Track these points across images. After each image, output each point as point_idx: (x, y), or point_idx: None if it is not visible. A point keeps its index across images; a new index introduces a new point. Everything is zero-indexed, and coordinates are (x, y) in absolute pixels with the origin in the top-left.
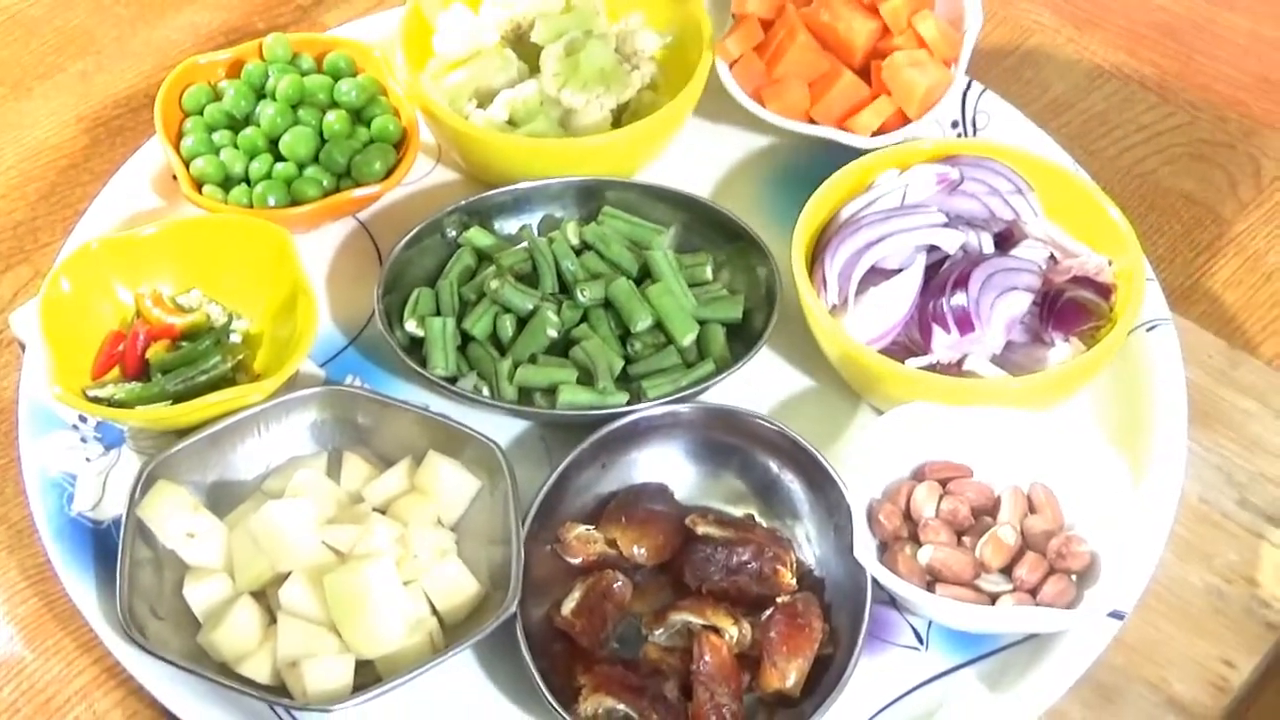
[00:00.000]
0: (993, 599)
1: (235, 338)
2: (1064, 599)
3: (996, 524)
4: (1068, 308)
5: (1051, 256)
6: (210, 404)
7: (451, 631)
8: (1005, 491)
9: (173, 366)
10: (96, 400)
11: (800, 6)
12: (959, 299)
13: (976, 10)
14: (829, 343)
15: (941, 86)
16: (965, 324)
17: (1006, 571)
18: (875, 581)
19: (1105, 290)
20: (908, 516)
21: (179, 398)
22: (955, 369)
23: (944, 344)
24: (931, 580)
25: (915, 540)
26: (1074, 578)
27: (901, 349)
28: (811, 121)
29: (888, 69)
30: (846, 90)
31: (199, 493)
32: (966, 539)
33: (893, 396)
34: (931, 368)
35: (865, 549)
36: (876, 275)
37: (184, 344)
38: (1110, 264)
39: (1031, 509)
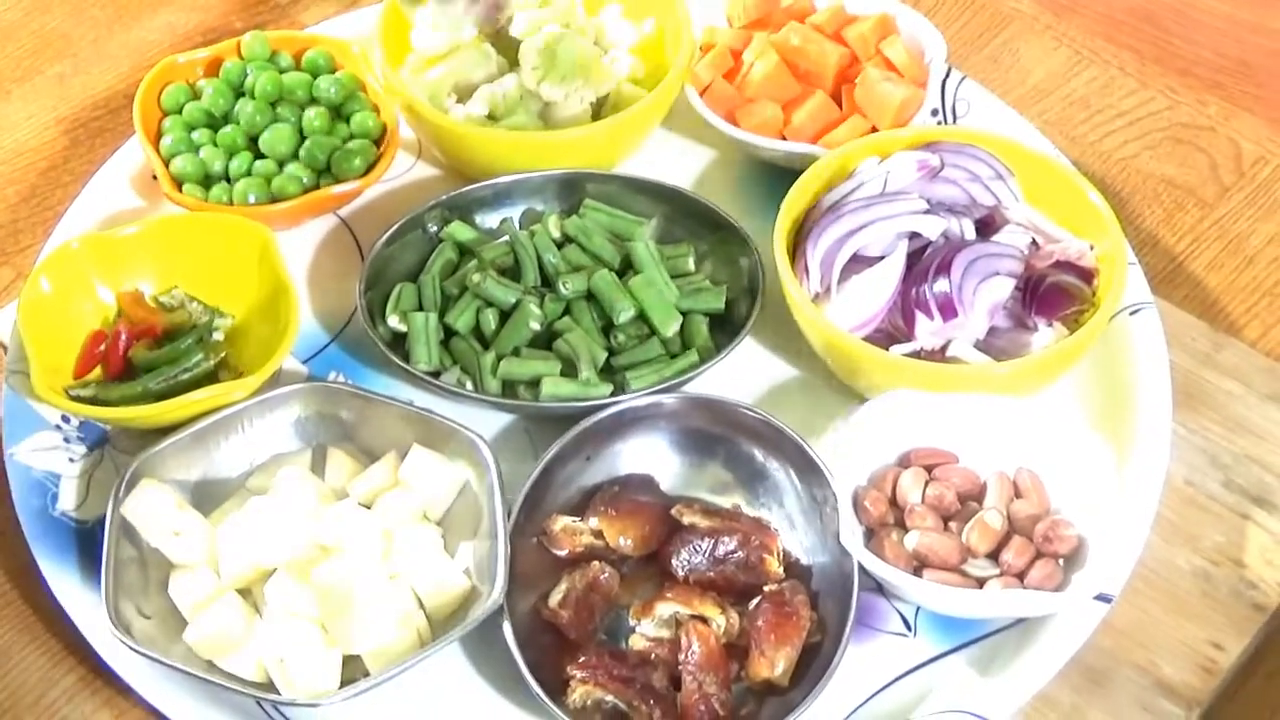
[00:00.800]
0: (980, 583)
1: (217, 335)
2: (1051, 583)
3: (983, 509)
4: (1050, 292)
5: (1033, 242)
6: (193, 402)
7: (439, 626)
8: (991, 477)
9: (155, 365)
10: (78, 399)
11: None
12: (941, 285)
13: (939, 43)
14: (812, 331)
15: (914, 104)
16: (948, 310)
17: (993, 556)
18: (862, 569)
19: (1087, 275)
20: (894, 503)
21: (161, 396)
22: (939, 355)
23: (927, 330)
24: (918, 566)
25: (901, 526)
26: (1061, 561)
27: (885, 336)
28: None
29: (861, 85)
30: (819, 111)
31: (183, 491)
32: (953, 524)
33: (877, 384)
34: (915, 354)
35: (852, 536)
36: (859, 263)
37: (166, 342)
38: (1092, 248)
39: (1017, 494)
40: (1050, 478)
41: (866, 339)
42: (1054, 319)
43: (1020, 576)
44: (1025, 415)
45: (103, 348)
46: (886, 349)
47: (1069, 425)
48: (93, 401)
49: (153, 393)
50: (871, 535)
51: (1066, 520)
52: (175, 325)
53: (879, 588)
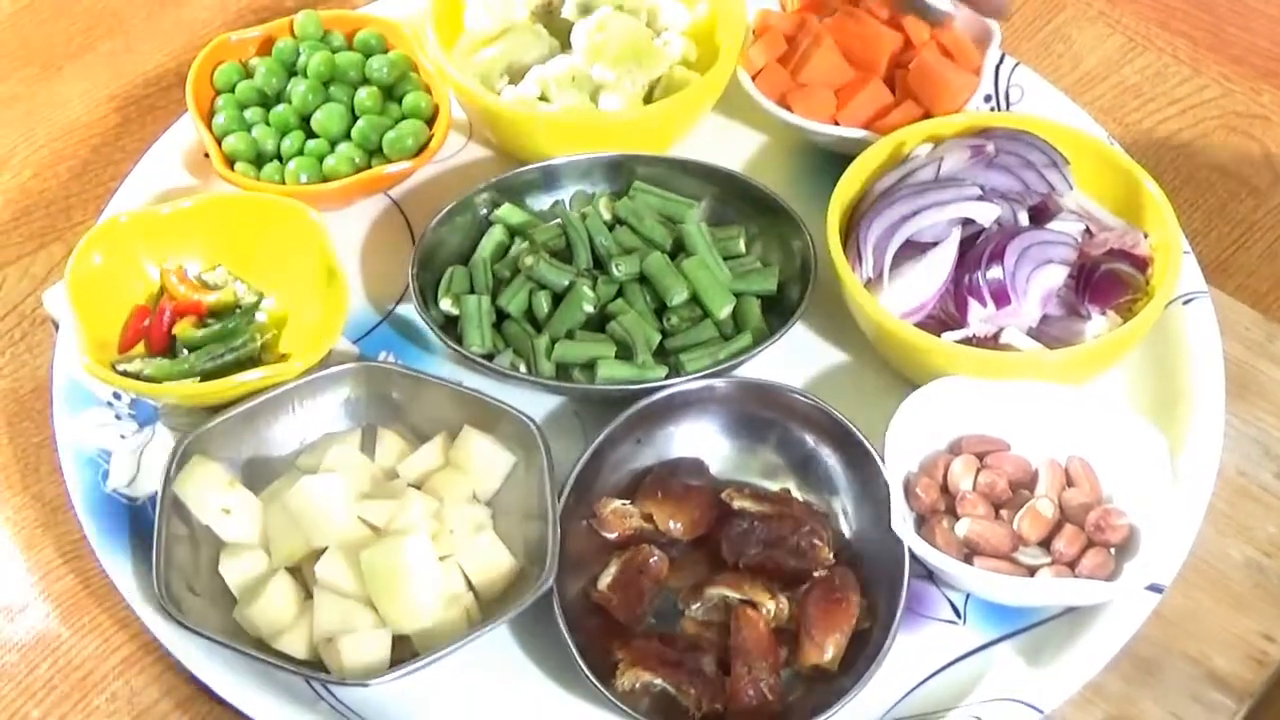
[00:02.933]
0: (1030, 572)
1: (261, 317)
2: (1102, 572)
3: (1034, 497)
4: (1104, 280)
5: (1087, 230)
6: (248, 383)
7: (488, 607)
8: (1043, 465)
9: (202, 344)
10: (125, 374)
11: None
12: (995, 272)
13: (993, 29)
14: (864, 317)
15: (968, 90)
16: (1001, 297)
17: (1045, 545)
18: (913, 555)
19: (1142, 263)
20: (945, 490)
21: (208, 375)
22: (991, 342)
23: (980, 317)
24: (969, 553)
25: (952, 514)
26: (1112, 551)
27: (937, 323)
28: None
29: (916, 69)
30: (873, 96)
31: (234, 469)
32: (1004, 512)
33: (929, 370)
34: (968, 341)
35: (903, 522)
36: (912, 249)
37: (210, 321)
38: (1146, 237)
39: (1069, 482)
40: (1103, 466)
41: (918, 325)
42: (1107, 307)
43: (1071, 565)
44: (1078, 403)
45: (146, 324)
46: (938, 335)
47: (1122, 413)
48: (138, 378)
49: (198, 371)
50: (923, 522)
51: (1119, 510)
52: (220, 304)
53: (929, 575)
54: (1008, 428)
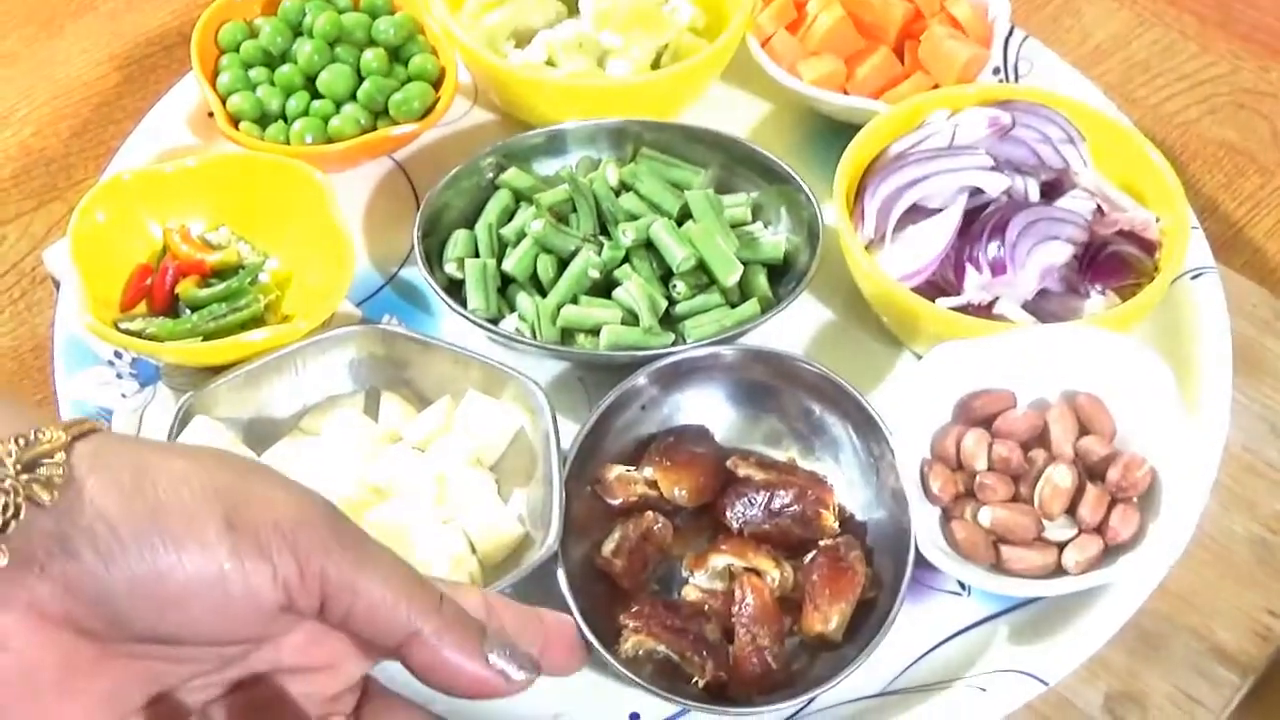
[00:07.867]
0: (1060, 548)
1: (264, 277)
2: (1131, 528)
3: (1051, 461)
4: (1109, 261)
5: (1099, 208)
6: (252, 343)
7: (491, 572)
8: (1053, 412)
9: (205, 304)
10: (127, 333)
11: None
12: (995, 242)
13: (1003, 1)
14: (861, 277)
15: (978, 63)
16: (999, 266)
17: (1070, 512)
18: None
19: (1150, 247)
20: (959, 466)
21: (210, 335)
22: (985, 311)
23: (975, 284)
24: (996, 539)
25: (972, 496)
26: (1136, 500)
27: (935, 289)
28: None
29: (926, 41)
30: (882, 66)
31: (236, 430)
32: (1023, 487)
33: (925, 337)
34: (963, 309)
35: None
36: (917, 213)
37: (213, 281)
38: (1158, 220)
39: (1083, 429)
40: (1112, 401)
41: (916, 290)
42: (1109, 287)
43: (1099, 530)
44: (1078, 340)
45: (149, 282)
46: (933, 301)
47: (1124, 346)
48: (140, 336)
49: (201, 331)
50: (947, 517)
51: (1138, 458)
52: (223, 264)
53: None
54: (1010, 379)
